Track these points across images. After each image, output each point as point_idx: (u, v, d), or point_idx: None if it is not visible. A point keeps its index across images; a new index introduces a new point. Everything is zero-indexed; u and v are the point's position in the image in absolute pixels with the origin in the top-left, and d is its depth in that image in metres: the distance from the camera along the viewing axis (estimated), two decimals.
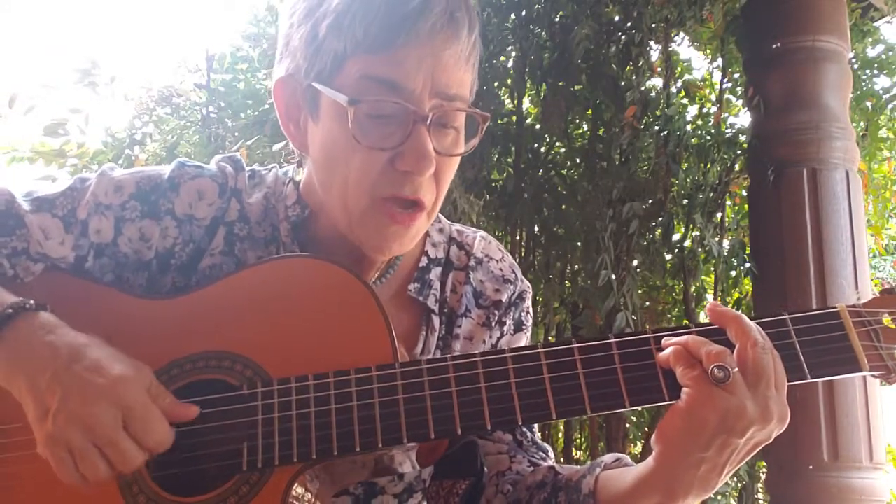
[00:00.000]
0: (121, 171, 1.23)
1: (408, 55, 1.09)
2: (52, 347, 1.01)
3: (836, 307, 1.03)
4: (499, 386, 1.02)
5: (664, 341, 1.03)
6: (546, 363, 1.03)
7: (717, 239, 3.89)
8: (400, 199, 1.13)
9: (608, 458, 1.20)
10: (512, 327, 1.36)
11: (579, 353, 1.03)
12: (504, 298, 1.34)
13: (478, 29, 1.16)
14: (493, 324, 1.33)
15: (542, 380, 1.02)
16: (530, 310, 1.40)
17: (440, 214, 1.37)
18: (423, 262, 1.31)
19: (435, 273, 1.31)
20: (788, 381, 1.00)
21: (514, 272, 1.37)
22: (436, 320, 1.28)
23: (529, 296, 1.40)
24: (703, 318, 4.15)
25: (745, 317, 1.02)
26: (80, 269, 1.19)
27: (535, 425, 1.38)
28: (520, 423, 1.02)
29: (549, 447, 1.36)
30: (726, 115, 4.25)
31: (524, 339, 1.38)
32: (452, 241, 1.36)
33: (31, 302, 1.05)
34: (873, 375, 0.98)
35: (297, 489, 1.04)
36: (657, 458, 1.03)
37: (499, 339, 1.34)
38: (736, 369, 0.97)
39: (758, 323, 1.03)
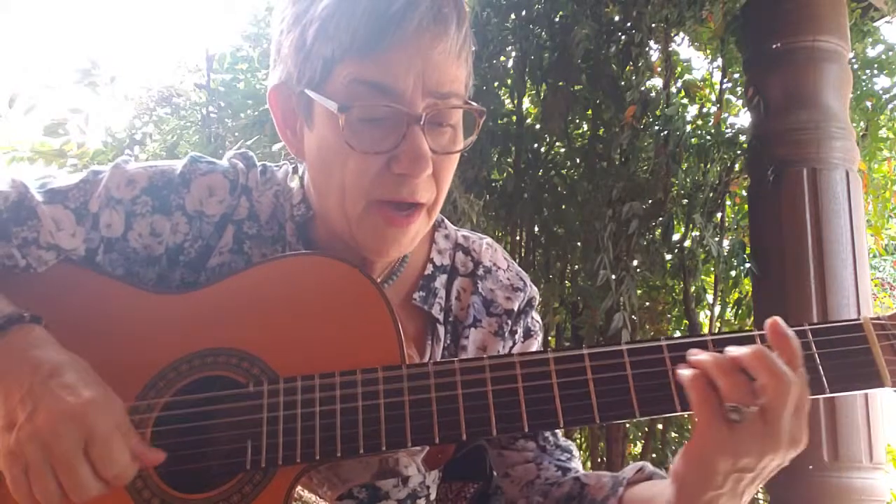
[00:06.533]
0: (134, 164, 1.23)
1: (396, 57, 1.07)
2: (35, 362, 0.98)
3: (859, 319, 1.00)
4: (506, 391, 1.02)
5: (689, 357, 0.98)
6: (555, 369, 1.02)
7: (716, 239, 3.88)
8: (397, 202, 1.12)
9: (629, 471, 1.19)
10: (522, 335, 1.35)
11: (589, 361, 1.02)
12: (515, 307, 1.33)
13: (468, 22, 1.14)
14: (506, 333, 1.32)
15: (550, 386, 1.01)
16: (538, 317, 1.40)
17: (446, 220, 1.36)
18: (429, 269, 1.30)
19: (440, 281, 1.30)
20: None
21: (521, 279, 1.37)
22: (441, 330, 1.27)
23: (537, 301, 1.39)
24: (703, 318, 4.14)
25: (794, 340, 0.96)
26: (91, 263, 1.19)
27: None
28: (526, 430, 1.01)
29: (572, 445, 1.35)
30: (726, 114, 4.24)
31: (535, 346, 1.38)
32: (458, 248, 1.35)
33: (27, 314, 1.04)
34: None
35: (300, 490, 1.05)
36: (675, 496, 1.01)
37: (511, 347, 1.34)
38: (752, 408, 0.92)
39: None
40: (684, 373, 0.96)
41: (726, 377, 0.93)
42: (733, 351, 0.95)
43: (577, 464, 1.33)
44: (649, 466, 1.18)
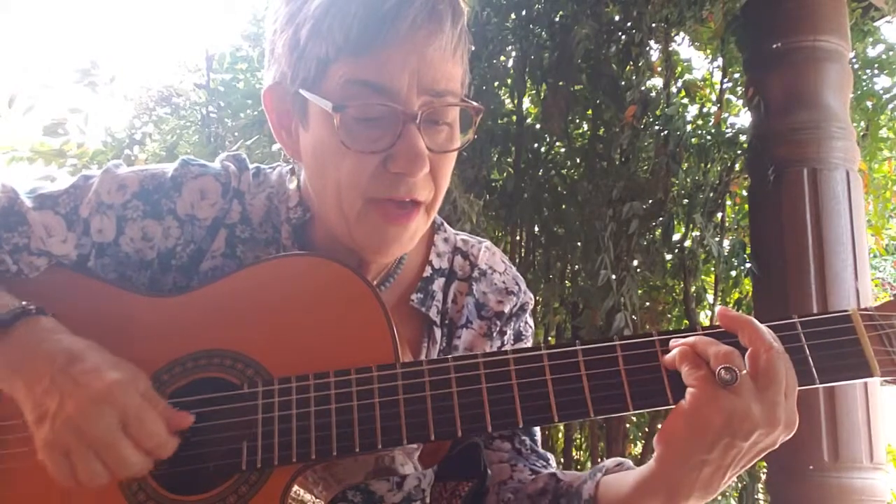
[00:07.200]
0: (125, 168, 1.23)
1: (390, 55, 1.06)
2: (50, 353, 1.00)
3: (847, 311, 1.01)
4: (500, 387, 1.01)
5: (671, 342, 1.01)
6: (549, 364, 1.02)
7: (717, 239, 3.88)
8: (395, 200, 1.11)
9: (610, 462, 1.19)
10: (512, 337, 1.35)
11: (583, 356, 1.02)
12: (506, 309, 1.33)
13: (464, 19, 1.13)
14: (494, 334, 1.31)
15: (544, 381, 1.01)
16: (531, 322, 1.39)
17: (446, 224, 1.36)
18: (427, 272, 1.30)
19: (438, 284, 1.30)
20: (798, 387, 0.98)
21: (517, 284, 1.36)
22: (437, 332, 1.27)
23: (531, 307, 1.38)
24: (703, 318, 4.14)
25: (756, 321, 1.00)
26: (83, 268, 1.18)
27: (538, 434, 1.37)
28: (521, 425, 1.01)
29: (549, 455, 1.35)
30: (726, 114, 4.24)
31: None
32: (457, 251, 1.35)
33: (32, 307, 1.05)
34: (885, 381, 0.96)
35: (296, 489, 1.04)
36: (659, 458, 1.02)
37: (499, 348, 1.33)
38: (744, 372, 0.95)
39: (767, 326, 1.00)
40: (671, 353, 0.99)
41: (715, 345, 0.97)
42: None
43: (552, 471, 1.32)
44: (630, 462, 1.18)
